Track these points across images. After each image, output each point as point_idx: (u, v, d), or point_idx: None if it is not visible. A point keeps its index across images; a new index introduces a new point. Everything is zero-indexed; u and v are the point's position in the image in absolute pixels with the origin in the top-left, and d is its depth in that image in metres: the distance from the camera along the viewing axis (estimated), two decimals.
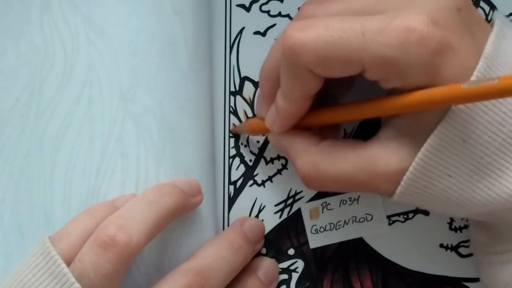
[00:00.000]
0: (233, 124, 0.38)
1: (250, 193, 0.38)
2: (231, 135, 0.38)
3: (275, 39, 0.37)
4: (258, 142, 0.38)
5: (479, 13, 0.31)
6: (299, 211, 0.37)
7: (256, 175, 0.38)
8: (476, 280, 0.37)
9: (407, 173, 0.29)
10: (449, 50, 0.27)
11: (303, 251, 0.37)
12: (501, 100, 0.28)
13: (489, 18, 0.36)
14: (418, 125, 0.29)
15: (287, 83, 0.30)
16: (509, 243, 0.31)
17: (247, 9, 0.38)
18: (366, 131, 0.36)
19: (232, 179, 0.38)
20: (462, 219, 0.37)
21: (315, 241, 0.37)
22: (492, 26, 0.30)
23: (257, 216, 0.38)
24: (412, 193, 0.29)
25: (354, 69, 0.28)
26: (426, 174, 0.29)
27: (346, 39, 0.27)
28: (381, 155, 0.29)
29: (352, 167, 0.30)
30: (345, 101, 0.34)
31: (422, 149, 0.28)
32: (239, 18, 0.38)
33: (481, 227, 0.33)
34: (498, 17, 0.31)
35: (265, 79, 0.33)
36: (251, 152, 0.38)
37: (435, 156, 0.28)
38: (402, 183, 0.29)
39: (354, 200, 0.37)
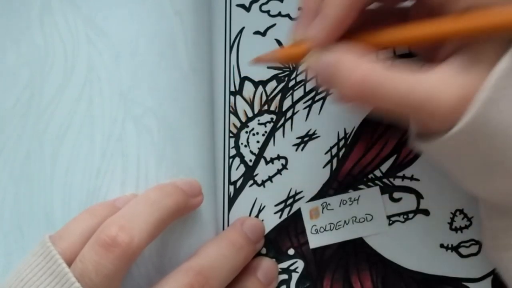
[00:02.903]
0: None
1: (250, 193, 0.38)
2: (231, 134, 0.38)
3: (275, 39, 0.37)
4: (258, 142, 0.38)
5: None
6: (299, 211, 0.37)
7: (256, 175, 0.38)
8: (476, 280, 0.37)
9: (478, 97, 0.26)
10: None
11: (303, 251, 0.37)
12: None
13: None
14: (488, 55, 0.27)
15: None
16: None
17: (247, 9, 0.38)
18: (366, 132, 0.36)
19: (232, 179, 0.38)
20: (463, 219, 0.37)
21: (315, 241, 0.37)
22: None
23: (257, 216, 0.38)
24: (471, 128, 0.27)
25: None
26: (497, 104, 0.26)
27: None
28: (446, 79, 0.27)
29: (412, 81, 0.27)
30: None
31: (493, 73, 0.26)
32: (239, 18, 0.38)
33: (494, 209, 0.32)
34: None
35: None
36: (251, 152, 0.38)
37: (506, 83, 0.26)
38: (471, 109, 0.26)
39: (354, 200, 0.37)
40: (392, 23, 0.29)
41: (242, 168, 0.38)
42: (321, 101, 0.38)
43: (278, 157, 0.38)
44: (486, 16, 0.26)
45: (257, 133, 0.38)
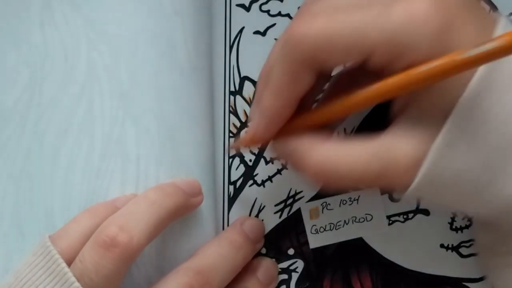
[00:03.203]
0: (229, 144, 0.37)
1: (250, 193, 0.38)
2: (231, 134, 0.38)
3: (275, 39, 0.37)
4: None
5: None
6: (299, 211, 0.37)
7: (256, 175, 0.38)
8: (476, 280, 0.37)
9: (427, 158, 0.28)
10: (456, 28, 0.26)
11: (303, 251, 0.37)
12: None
13: None
14: (433, 111, 0.28)
15: (280, 78, 0.29)
16: None
17: (247, 8, 0.38)
18: (370, 128, 0.36)
19: (232, 179, 0.38)
20: (463, 219, 0.37)
21: (315, 241, 0.37)
22: (495, 18, 0.29)
23: (257, 216, 0.38)
24: (429, 182, 0.28)
25: (358, 54, 0.27)
26: (446, 159, 0.28)
27: (350, 23, 0.27)
28: (396, 143, 0.28)
29: (366, 156, 0.29)
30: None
31: (440, 134, 0.27)
32: (239, 18, 0.38)
33: (487, 227, 0.33)
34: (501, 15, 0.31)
35: (263, 81, 0.32)
36: (251, 152, 0.38)
37: (454, 140, 0.27)
38: (421, 169, 0.28)
39: (354, 200, 0.37)
40: (341, 89, 0.30)
41: (242, 168, 0.38)
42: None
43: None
44: (418, 70, 0.26)
45: None
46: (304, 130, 0.31)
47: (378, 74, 0.28)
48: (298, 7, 0.37)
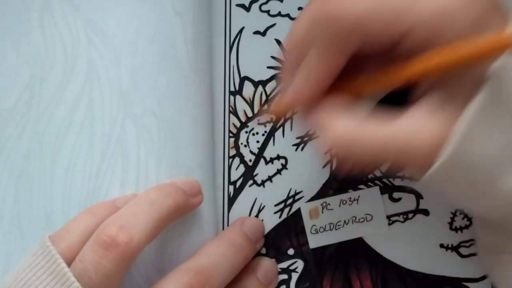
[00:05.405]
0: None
1: (250, 193, 0.38)
2: (231, 134, 0.38)
3: (275, 39, 0.37)
4: (258, 142, 0.38)
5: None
6: (299, 211, 0.37)
7: (256, 175, 0.38)
8: (476, 280, 0.37)
9: (453, 137, 0.27)
10: (491, 16, 0.27)
11: (303, 251, 0.37)
12: None
13: None
14: (460, 94, 0.28)
15: (327, 41, 0.29)
16: None
17: (247, 9, 0.38)
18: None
19: (232, 179, 0.38)
20: (463, 219, 0.37)
21: (315, 241, 0.37)
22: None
23: (257, 216, 0.38)
24: (450, 166, 0.28)
25: (396, 30, 0.27)
26: (470, 142, 0.27)
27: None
28: (419, 124, 0.28)
29: (388, 131, 0.28)
30: None
31: (464, 114, 0.27)
32: (239, 18, 0.38)
33: (491, 227, 0.33)
34: None
35: (293, 49, 0.31)
36: (251, 152, 0.38)
37: (480, 122, 0.27)
38: (446, 149, 0.27)
39: (354, 200, 0.37)
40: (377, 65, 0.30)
41: (242, 168, 0.38)
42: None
43: (278, 157, 0.38)
44: (454, 51, 0.27)
45: (257, 133, 0.38)
46: (335, 100, 0.31)
47: (398, 59, 0.28)
48: (298, 7, 0.37)
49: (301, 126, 0.35)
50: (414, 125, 0.28)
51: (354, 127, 0.29)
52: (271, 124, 0.38)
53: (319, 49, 0.29)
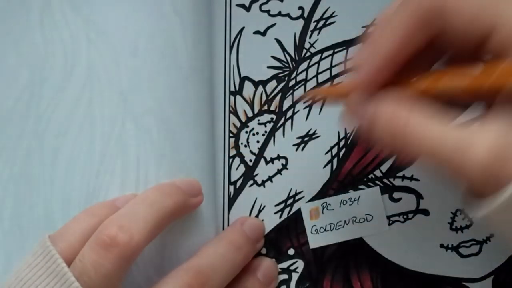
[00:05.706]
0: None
1: (250, 193, 0.38)
2: (231, 134, 0.38)
3: (275, 39, 0.37)
4: (258, 142, 0.38)
5: None
6: (299, 211, 0.37)
7: (256, 175, 0.38)
8: (476, 280, 0.36)
9: None
10: None
11: (303, 251, 0.37)
12: None
13: None
14: None
15: (404, 20, 0.27)
16: None
17: (247, 8, 0.38)
18: None
19: (232, 179, 0.38)
20: (463, 219, 0.37)
21: (315, 241, 0.37)
22: None
23: (257, 216, 0.38)
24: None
25: (482, 24, 0.25)
26: None
27: None
28: (479, 129, 0.24)
29: (444, 131, 0.25)
30: None
31: None
32: (239, 17, 0.38)
33: None
34: None
35: (383, 21, 0.29)
36: (251, 152, 0.38)
37: None
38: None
39: (354, 200, 0.37)
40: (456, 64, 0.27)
41: (242, 168, 0.38)
42: (321, 101, 0.38)
43: (278, 157, 0.38)
44: None
45: (257, 133, 0.38)
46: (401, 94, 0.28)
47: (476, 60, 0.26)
48: (298, 7, 0.37)
49: (352, 117, 0.30)
50: (472, 132, 0.25)
51: (405, 117, 0.26)
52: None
53: (400, 17, 0.27)
